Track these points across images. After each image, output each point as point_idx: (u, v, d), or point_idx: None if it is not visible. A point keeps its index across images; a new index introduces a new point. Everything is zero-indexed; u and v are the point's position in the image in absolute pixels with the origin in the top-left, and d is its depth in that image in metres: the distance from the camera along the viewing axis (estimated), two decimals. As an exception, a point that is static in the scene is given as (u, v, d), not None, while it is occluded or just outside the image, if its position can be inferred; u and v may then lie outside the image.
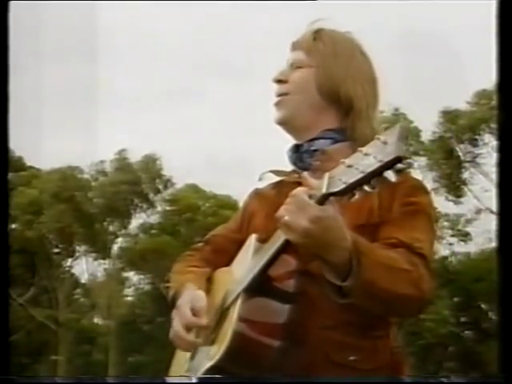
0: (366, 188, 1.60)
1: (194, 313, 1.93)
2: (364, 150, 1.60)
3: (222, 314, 1.94)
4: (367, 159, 1.58)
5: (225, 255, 2.15)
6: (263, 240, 1.94)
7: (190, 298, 1.97)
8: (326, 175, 1.66)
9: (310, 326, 1.88)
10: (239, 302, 1.85)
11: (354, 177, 1.60)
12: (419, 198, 1.96)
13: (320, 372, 1.88)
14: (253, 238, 1.99)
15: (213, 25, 47.55)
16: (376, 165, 1.56)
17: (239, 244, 2.12)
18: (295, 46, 2.13)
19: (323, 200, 1.68)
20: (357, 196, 1.62)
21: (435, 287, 1.90)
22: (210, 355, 1.90)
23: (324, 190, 1.66)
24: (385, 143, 1.57)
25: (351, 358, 1.88)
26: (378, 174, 1.57)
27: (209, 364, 1.86)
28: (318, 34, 2.09)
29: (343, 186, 1.61)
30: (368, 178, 1.59)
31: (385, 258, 1.78)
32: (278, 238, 1.80)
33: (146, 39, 51.59)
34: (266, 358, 1.83)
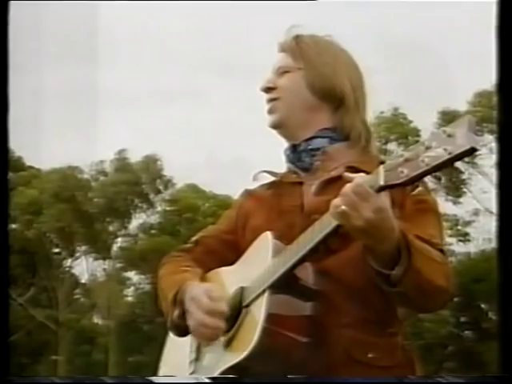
0: (432, 180, 1.60)
1: (212, 300, 1.91)
2: (426, 143, 1.61)
3: (240, 312, 1.93)
4: (433, 152, 1.59)
5: (216, 256, 2.15)
6: (282, 238, 1.93)
7: (204, 289, 1.95)
8: (381, 168, 1.68)
9: (330, 324, 1.89)
10: (265, 298, 1.85)
11: (418, 169, 1.61)
12: (427, 196, 1.98)
13: (341, 370, 1.88)
14: (269, 236, 1.96)
15: (213, 25, 47.60)
16: (445, 157, 1.57)
17: (231, 245, 2.12)
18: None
19: (378, 192, 1.69)
20: (420, 188, 1.63)
21: None
22: (229, 354, 1.88)
23: (382, 183, 1.67)
24: (451, 135, 1.57)
25: (370, 355, 1.90)
26: (447, 165, 1.59)
27: (231, 362, 1.85)
28: (298, 39, 2.13)
29: (405, 178, 1.63)
30: (435, 170, 1.60)
31: (425, 250, 1.81)
32: (319, 232, 1.80)
33: (147, 39, 51.65)
34: (294, 354, 1.83)
